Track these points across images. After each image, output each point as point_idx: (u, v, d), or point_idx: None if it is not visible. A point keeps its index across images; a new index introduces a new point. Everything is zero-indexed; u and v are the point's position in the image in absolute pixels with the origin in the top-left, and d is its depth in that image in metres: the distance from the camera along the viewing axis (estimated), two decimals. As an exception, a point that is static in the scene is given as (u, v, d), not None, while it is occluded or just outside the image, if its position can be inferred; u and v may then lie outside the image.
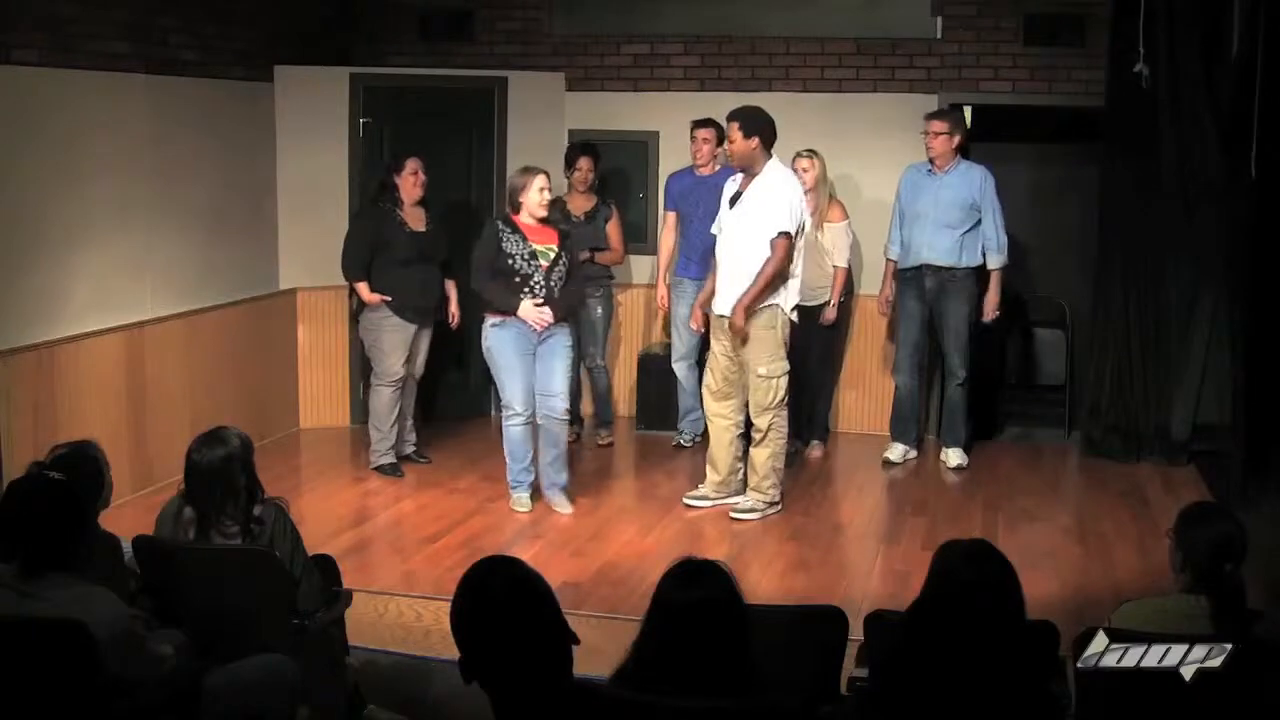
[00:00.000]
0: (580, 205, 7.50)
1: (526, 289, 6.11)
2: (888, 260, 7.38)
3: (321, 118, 7.73)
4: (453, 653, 2.43)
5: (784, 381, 6.24)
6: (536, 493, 6.45)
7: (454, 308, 7.13)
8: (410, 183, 6.92)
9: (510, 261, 6.11)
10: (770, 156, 6.18)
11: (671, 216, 7.48)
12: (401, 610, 5.12)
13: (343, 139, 7.78)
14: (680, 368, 7.53)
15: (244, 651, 3.58)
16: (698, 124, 7.33)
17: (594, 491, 6.81)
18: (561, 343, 6.28)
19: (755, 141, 6.13)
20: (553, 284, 6.15)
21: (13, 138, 5.71)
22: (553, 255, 6.17)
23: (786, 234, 6.06)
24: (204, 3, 6.97)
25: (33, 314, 5.86)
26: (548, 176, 6.25)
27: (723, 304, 6.25)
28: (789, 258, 6.11)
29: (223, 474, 3.81)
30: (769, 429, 6.24)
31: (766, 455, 6.29)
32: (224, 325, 7.21)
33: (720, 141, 7.19)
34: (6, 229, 5.71)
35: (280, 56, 7.64)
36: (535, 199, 6.13)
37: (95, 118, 6.18)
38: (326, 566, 4.24)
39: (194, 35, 6.89)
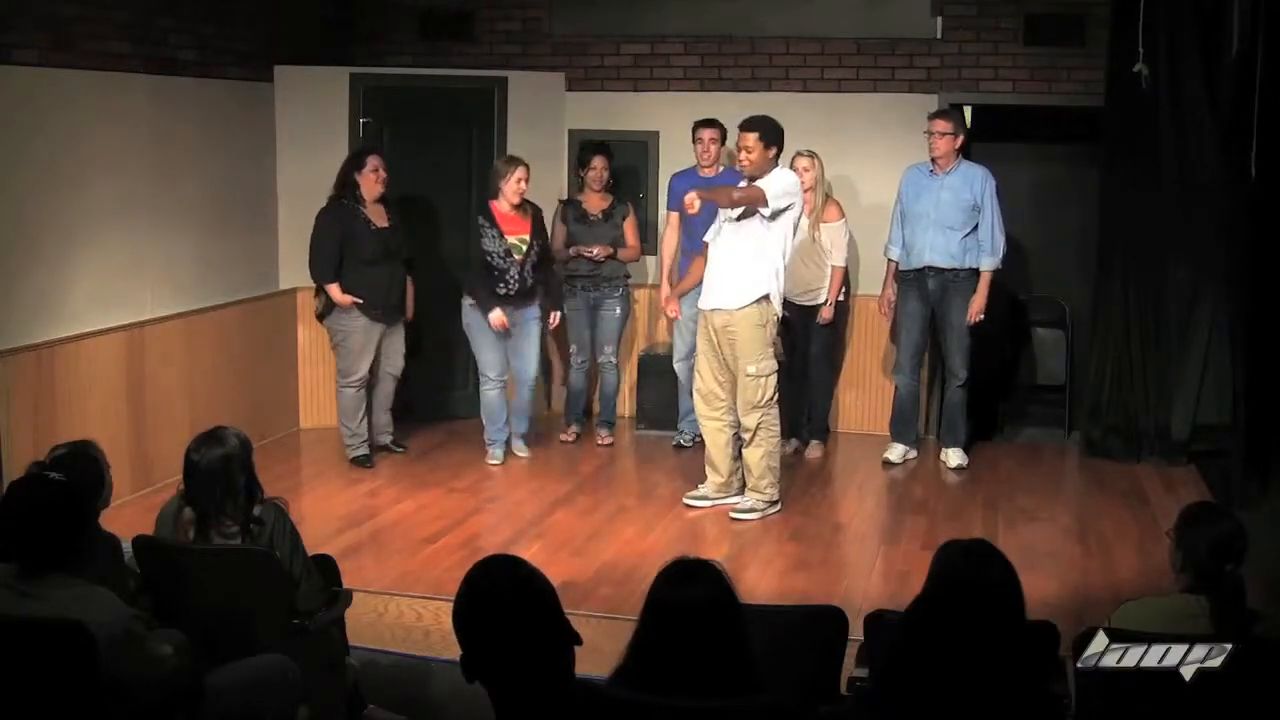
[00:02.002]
0: (596, 204, 7.54)
1: (503, 284, 6.88)
2: (889, 261, 7.38)
3: (321, 118, 7.73)
4: (453, 653, 2.43)
5: (773, 380, 6.24)
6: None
7: (410, 303, 7.21)
8: (371, 180, 6.93)
9: (489, 259, 6.88)
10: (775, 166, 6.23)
11: (674, 216, 7.46)
12: (401, 610, 5.12)
13: (343, 139, 7.77)
14: (682, 368, 7.52)
15: (244, 651, 3.59)
16: (701, 124, 7.33)
17: (594, 491, 6.82)
18: (531, 317, 7.14)
19: (773, 151, 6.15)
20: (526, 274, 6.94)
21: (13, 138, 5.72)
22: (525, 247, 6.93)
23: (765, 196, 6.03)
24: (204, 3, 6.97)
25: (33, 314, 5.86)
26: (528, 169, 6.93)
27: (712, 299, 6.26)
28: (751, 200, 6.06)
29: (222, 474, 3.81)
30: (758, 428, 6.24)
31: (760, 455, 6.29)
32: (224, 325, 7.21)
33: (724, 140, 7.23)
34: (6, 229, 5.71)
35: (280, 56, 7.64)
36: (512, 188, 6.87)
37: (95, 118, 6.18)
38: (326, 566, 4.24)
39: (194, 35, 6.89)
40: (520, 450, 7.39)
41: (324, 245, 6.92)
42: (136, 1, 6.43)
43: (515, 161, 6.93)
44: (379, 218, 6.98)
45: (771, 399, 6.25)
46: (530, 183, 6.97)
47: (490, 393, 7.16)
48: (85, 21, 6.10)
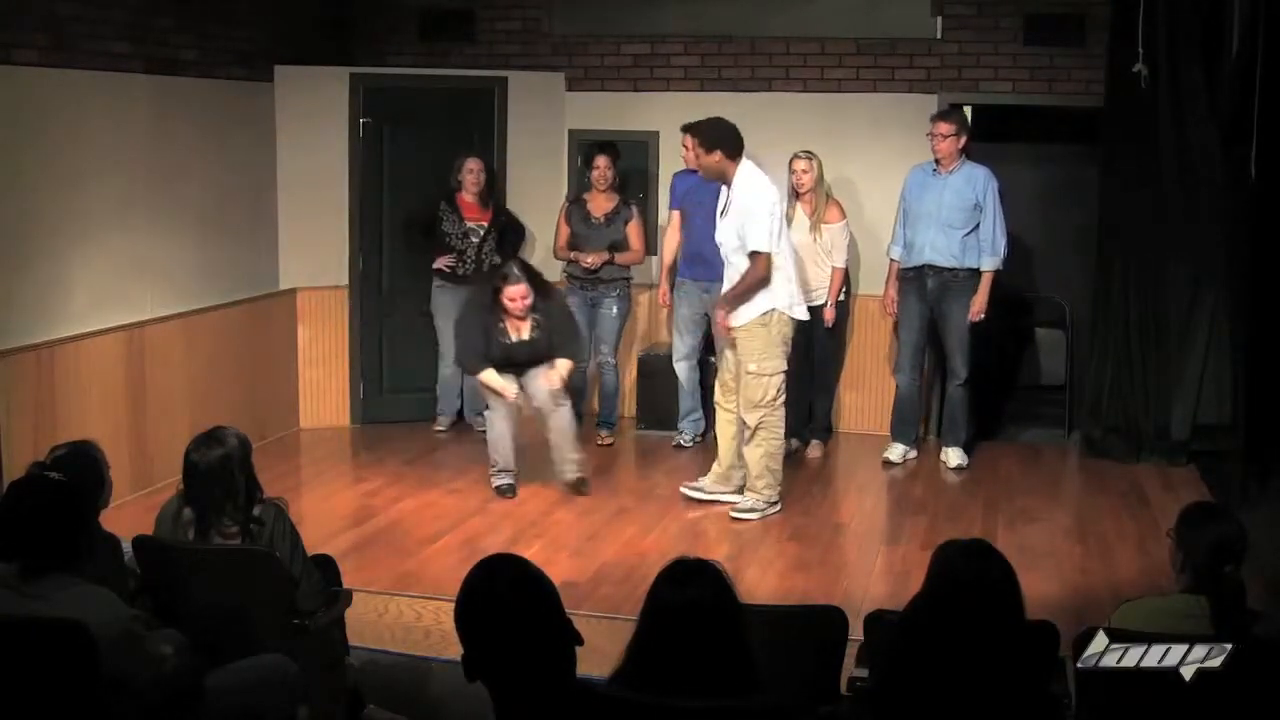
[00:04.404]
0: (601, 205, 7.55)
1: (460, 263, 7.51)
2: (891, 260, 7.37)
3: (321, 118, 7.74)
4: (453, 653, 2.43)
5: (776, 380, 6.22)
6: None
7: (564, 374, 6.63)
8: (513, 308, 6.46)
9: (448, 240, 7.52)
10: (739, 162, 6.13)
11: (676, 215, 7.46)
12: (401, 610, 5.12)
13: (343, 139, 7.78)
14: (681, 369, 7.52)
15: (244, 651, 3.59)
16: (683, 129, 7.32)
17: (594, 491, 6.82)
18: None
19: (718, 155, 6.10)
20: (483, 256, 7.54)
21: (13, 138, 5.71)
22: (483, 231, 7.57)
23: (763, 265, 6.06)
24: (204, 3, 6.97)
25: (33, 314, 5.86)
26: (479, 160, 7.59)
27: (731, 320, 6.28)
28: (767, 270, 6.09)
29: (221, 474, 3.81)
30: (759, 427, 6.23)
31: (759, 455, 6.28)
32: (224, 325, 7.21)
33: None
34: (6, 229, 5.71)
35: (280, 56, 7.65)
36: (465, 179, 7.54)
37: (95, 118, 6.18)
38: (326, 566, 4.24)
39: (194, 35, 6.89)
40: (478, 425, 7.70)
41: (469, 338, 6.62)
42: (136, 1, 6.43)
43: (463, 156, 7.58)
44: (517, 330, 6.51)
45: (775, 400, 6.23)
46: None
47: (446, 370, 7.77)
48: (85, 21, 6.10)
